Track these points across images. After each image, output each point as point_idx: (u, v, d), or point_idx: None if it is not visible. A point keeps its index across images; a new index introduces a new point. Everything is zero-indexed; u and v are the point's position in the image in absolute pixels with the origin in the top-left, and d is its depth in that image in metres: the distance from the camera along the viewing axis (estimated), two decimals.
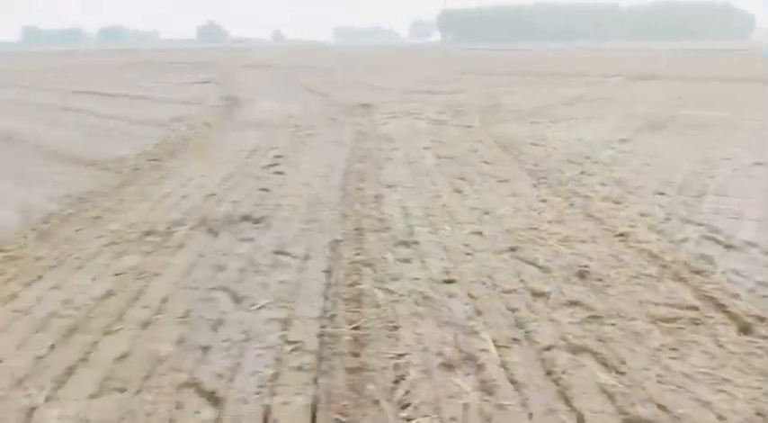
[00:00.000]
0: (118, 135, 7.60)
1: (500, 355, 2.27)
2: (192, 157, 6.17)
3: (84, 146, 6.82)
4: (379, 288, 2.87)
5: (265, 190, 4.82)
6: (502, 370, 2.18)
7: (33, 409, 1.95)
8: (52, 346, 2.34)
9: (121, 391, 2.04)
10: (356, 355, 2.27)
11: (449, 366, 2.19)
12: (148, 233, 3.75)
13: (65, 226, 3.93)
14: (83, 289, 2.91)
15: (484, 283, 2.91)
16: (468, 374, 2.15)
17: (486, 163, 5.73)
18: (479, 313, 2.61)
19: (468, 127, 8.03)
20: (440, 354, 2.27)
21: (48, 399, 2.00)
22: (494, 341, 2.37)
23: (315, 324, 2.52)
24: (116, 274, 3.09)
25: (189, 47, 74.38)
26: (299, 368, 2.18)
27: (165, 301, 2.77)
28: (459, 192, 4.66)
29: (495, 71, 19.81)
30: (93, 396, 2.01)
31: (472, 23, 78.41)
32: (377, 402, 1.98)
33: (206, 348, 2.34)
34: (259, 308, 2.69)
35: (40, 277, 3.07)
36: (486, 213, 4.07)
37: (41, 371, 2.18)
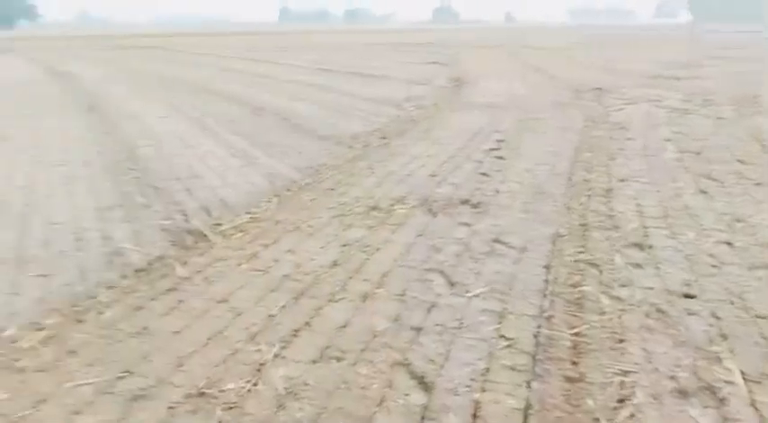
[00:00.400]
0: (353, 112, 8.10)
1: (749, 391, 1.93)
2: (418, 137, 6.32)
3: (322, 120, 7.40)
4: (605, 293, 2.63)
5: (485, 174, 4.74)
6: (750, 409, 1.85)
7: (262, 364, 2.12)
8: (283, 307, 2.55)
9: (339, 360, 2.14)
10: (575, 363, 2.10)
11: (683, 394, 1.92)
12: (373, 208, 3.92)
13: (302, 194, 4.28)
14: (312, 255, 3.14)
15: (732, 303, 2.51)
16: (707, 407, 1.86)
17: (741, 161, 4.97)
18: (725, 338, 2.25)
19: (719, 119, 7.07)
20: (673, 378, 2.00)
21: (275, 356, 2.17)
22: (741, 373, 2.02)
23: (531, 322, 2.39)
24: (342, 245, 3.27)
25: (422, 27, 77.00)
26: (512, 367, 2.08)
27: (384, 276, 2.86)
28: (705, 193, 4.10)
29: (753, 57, 17.22)
30: (314, 361, 2.13)
31: (727, 3, 68.92)
32: (596, 420, 1.80)
33: (419, 329, 2.35)
34: (473, 296, 2.64)
35: (277, 240, 3.37)
36: (739, 221, 3.52)
37: (272, 328, 2.37)
